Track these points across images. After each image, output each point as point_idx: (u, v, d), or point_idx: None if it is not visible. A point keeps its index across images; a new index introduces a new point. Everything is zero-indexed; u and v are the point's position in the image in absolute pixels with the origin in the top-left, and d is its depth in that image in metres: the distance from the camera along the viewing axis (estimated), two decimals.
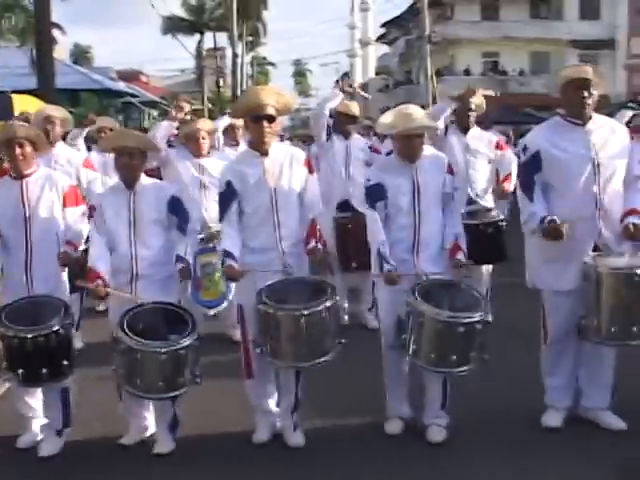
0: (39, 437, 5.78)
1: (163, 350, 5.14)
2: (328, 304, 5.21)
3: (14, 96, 12.56)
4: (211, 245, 7.21)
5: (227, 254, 5.45)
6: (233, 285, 6.77)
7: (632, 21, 47.55)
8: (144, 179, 5.73)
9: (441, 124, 7.73)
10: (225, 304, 7.56)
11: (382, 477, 5.18)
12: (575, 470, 5.12)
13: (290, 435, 5.67)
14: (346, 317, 8.53)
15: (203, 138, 8.13)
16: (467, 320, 5.17)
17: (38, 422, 5.85)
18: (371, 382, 6.00)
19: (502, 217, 8.02)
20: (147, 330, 5.23)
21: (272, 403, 5.81)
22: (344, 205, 8.44)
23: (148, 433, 5.81)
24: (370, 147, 8.85)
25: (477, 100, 8.13)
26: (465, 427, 5.70)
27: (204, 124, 8.39)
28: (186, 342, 5.20)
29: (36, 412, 5.85)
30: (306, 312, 5.14)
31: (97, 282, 5.41)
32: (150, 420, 5.82)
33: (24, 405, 5.83)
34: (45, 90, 14.62)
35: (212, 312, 7.57)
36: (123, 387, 5.37)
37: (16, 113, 12.69)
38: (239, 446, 5.64)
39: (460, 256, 5.57)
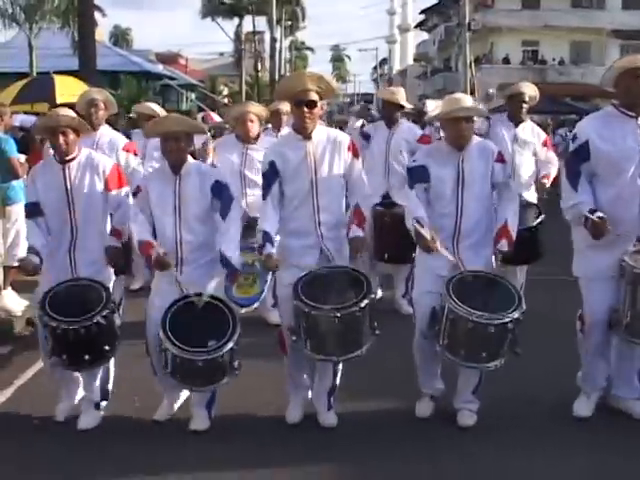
0: (75, 407, 5.89)
1: (202, 358, 5.23)
2: (362, 305, 5.22)
3: (56, 77, 12.67)
4: (251, 241, 7.01)
5: (266, 236, 5.48)
6: (269, 274, 6.88)
7: None
8: (190, 162, 5.74)
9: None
10: (256, 305, 7.58)
11: (411, 460, 5.21)
12: (605, 460, 5.12)
13: (324, 415, 5.74)
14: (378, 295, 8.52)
15: (251, 121, 8.06)
16: (498, 322, 5.17)
17: (75, 393, 5.96)
18: (403, 367, 6.04)
19: (538, 220, 7.79)
20: (187, 325, 5.32)
21: (305, 377, 5.85)
22: (384, 198, 8.41)
23: (177, 405, 5.91)
24: (420, 137, 8.66)
25: (531, 92, 8.06)
26: (497, 415, 5.75)
27: (253, 107, 8.33)
28: (225, 348, 5.28)
29: (74, 384, 5.95)
30: (339, 314, 5.16)
31: (157, 251, 5.45)
32: (181, 394, 5.92)
33: (62, 377, 5.90)
34: (86, 72, 14.78)
35: (243, 311, 7.44)
36: (162, 372, 5.49)
37: (58, 94, 12.76)
38: (273, 426, 5.71)
39: (504, 241, 5.52)
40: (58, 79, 12.27)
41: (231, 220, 5.61)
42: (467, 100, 5.72)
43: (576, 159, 5.47)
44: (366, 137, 8.72)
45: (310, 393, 5.89)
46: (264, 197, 5.62)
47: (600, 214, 5.26)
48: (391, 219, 7.92)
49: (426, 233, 5.36)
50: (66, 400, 5.91)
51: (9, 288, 8.61)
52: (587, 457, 5.18)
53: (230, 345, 5.29)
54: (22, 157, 8.66)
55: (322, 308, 5.21)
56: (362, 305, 5.21)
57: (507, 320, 5.17)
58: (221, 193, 5.62)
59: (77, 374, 5.91)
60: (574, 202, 5.41)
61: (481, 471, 5.06)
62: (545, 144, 8.17)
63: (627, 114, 5.41)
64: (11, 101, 11.29)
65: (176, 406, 5.92)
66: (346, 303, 5.21)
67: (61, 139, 5.70)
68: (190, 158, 5.77)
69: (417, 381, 5.85)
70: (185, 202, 5.60)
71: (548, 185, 7.93)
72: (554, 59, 50.05)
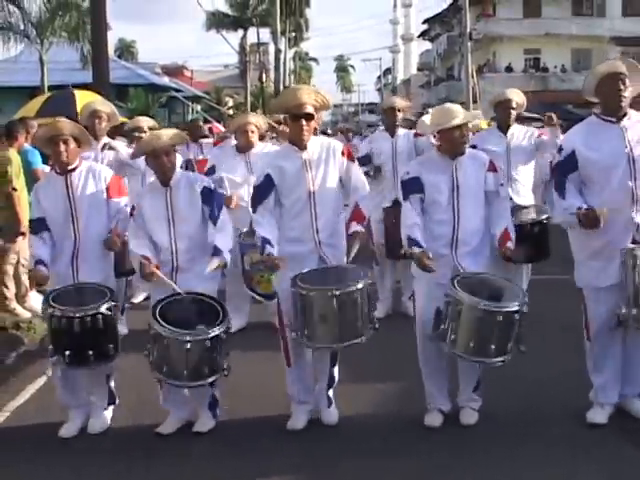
0: (79, 426, 5.87)
1: (189, 339, 5.27)
2: (360, 285, 5.31)
3: (76, 92, 12.98)
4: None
5: (264, 240, 5.54)
6: None
7: None
8: (178, 173, 5.85)
9: None
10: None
11: (412, 457, 5.28)
12: (615, 462, 5.13)
13: (325, 412, 5.86)
14: (385, 309, 8.84)
15: (252, 132, 8.34)
16: (506, 309, 5.25)
17: (79, 412, 5.94)
18: (408, 369, 6.11)
19: (544, 216, 7.87)
20: (181, 320, 5.36)
21: (309, 394, 5.89)
22: (394, 204, 8.45)
23: (180, 424, 5.86)
24: (415, 134, 8.93)
25: (519, 99, 8.22)
26: (501, 413, 5.84)
27: (254, 118, 8.68)
28: (213, 333, 5.33)
29: (77, 401, 5.95)
30: (337, 292, 5.25)
31: (144, 261, 5.57)
32: (186, 414, 5.90)
33: (65, 395, 5.93)
34: (100, 85, 15.13)
35: (272, 302, 7.60)
36: (152, 372, 5.49)
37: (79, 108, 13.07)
38: (277, 429, 5.74)
39: (509, 245, 5.60)
40: (78, 93, 12.57)
41: (222, 224, 5.74)
42: (456, 108, 5.76)
43: (563, 170, 5.54)
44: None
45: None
46: (254, 209, 5.73)
47: (586, 206, 5.31)
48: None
49: (417, 250, 5.43)
50: (71, 420, 5.89)
51: (34, 290, 9.01)
52: (592, 456, 5.20)
53: (218, 331, 5.33)
54: (47, 168, 9.00)
55: (320, 289, 5.33)
56: (359, 286, 5.32)
57: (515, 309, 5.25)
58: (210, 199, 5.75)
59: (77, 390, 5.90)
60: (564, 207, 5.48)
61: (485, 469, 5.09)
62: (540, 135, 8.24)
63: (609, 120, 5.49)
64: (34, 115, 11.63)
65: (179, 424, 5.85)
66: (344, 283, 5.33)
67: (62, 147, 5.77)
68: (178, 168, 5.91)
69: (425, 393, 5.85)
70: (177, 212, 5.71)
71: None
72: (556, 67, 50.23)
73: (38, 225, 5.90)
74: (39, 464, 5.38)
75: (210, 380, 5.46)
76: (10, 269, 8.83)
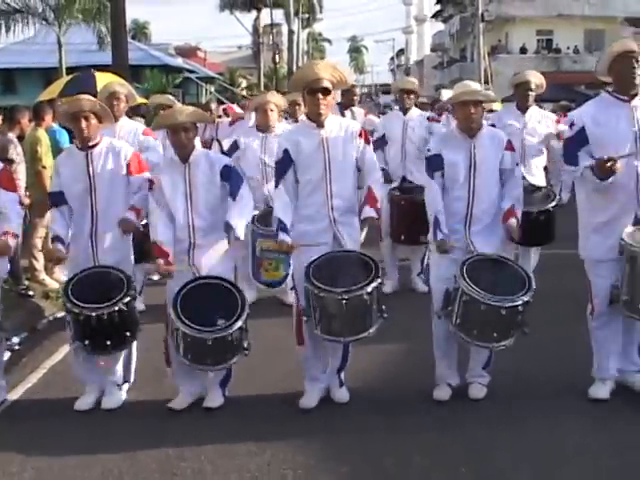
0: (94, 400, 5.95)
1: (211, 337, 5.38)
2: (369, 289, 5.38)
3: (97, 73, 13.26)
4: (272, 228, 6.92)
5: (280, 224, 5.63)
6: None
7: None
8: (198, 150, 5.88)
9: None
10: (283, 285, 7.87)
11: (422, 431, 5.36)
12: (624, 433, 5.22)
13: (336, 391, 5.91)
14: (392, 285, 8.97)
15: (271, 110, 8.42)
16: (510, 304, 5.34)
17: (98, 382, 6.02)
18: (421, 347, 6.22)
19: (551, 205, 7.96)
20: (199, 307, 5.48)
21: (321, 371, 5.94)
22: (402, 182, 8.81)
23: (192, 398, 5.92)
24: (428, 118, 9.17)
25: (537, 80, 8.37)
26: (511, 393, 5.88)
27: (273, 97, 8.75)
28: (234, 328, 5.43)
29: (94, 377, 6.01)
30: (347, 296, 5.32)
31: (164, 260, 5.64)
32: (196, 388, 5.94)
33: (82, 370, 6.03)
34: (119, 66, 15.45)
35: (274, 290, 7.95)
36: (175, 355, 5.63)
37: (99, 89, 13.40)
38: (285, 403, 5.84)
39: (512, 222, 5.70)
40: (98, 75, 12.85)
41: (241, 198, 5.76)
42: (475, 86, 5.95)
43: (574, 144, 5.59)
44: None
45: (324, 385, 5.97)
46: (277, 184, 5.79)
47: (599, 157, 5.32)
48: (407, 203, 8.33)
49: (444, 236, 5.60)
50: (87, 394, 5.98)
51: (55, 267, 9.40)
52: (601, 431, 5.27)
53: (239, 324, 5.45)
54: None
55: (330, 290, 5.38)
56: (369, 290, 5.39)
57: (518, 303, 5.36)
58: (230, 176, 5.79)
59: (93, 366, 5.96)
60: (578, 169, 5.51)
61: (493, 442, 5.16)
62: (558, 122, 8.46)
63: (621, 99, 5.55)
64: (57, 96, 11.97)
65: (191, 399, 5.91)
66: (354, 286, 5.38)
67: (83, 123, 5.81)
68: (198, 146, 5.98)
69: (435, 370, 5.94)
70: (195, 189, 5.74)
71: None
72: (568, 47, 50.04)
73: (57, 198, 5.98)
74: (58, 428, 5.62)
75: (232, 362, 5.60)
76: (39, 242, 9.31)
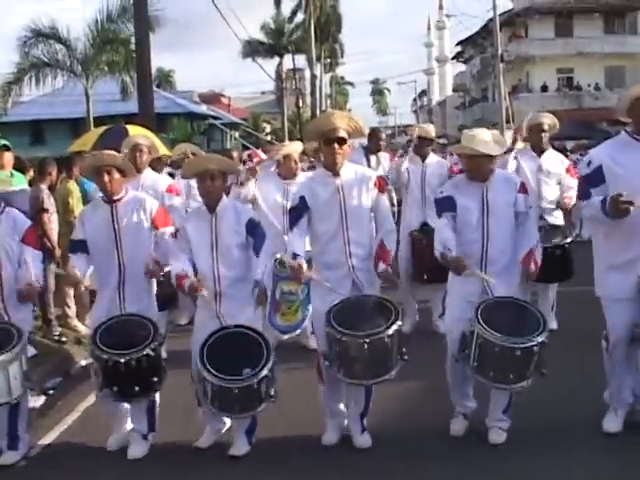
0: (126, 437, 6.07)
1: (237, 386, 5.44)
2: (390, 332, 5.47)
3: (129, 127, 13.50)
4: None
5: (295, 255, 5.71)
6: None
7: None
8: (225, 200, 5.94)
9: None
10: (298, 331, 7.96)
11: (444, 477, 5.40)
12: (635, 467, 5.27)
13: (358, 437, 5.91)
14: (411, 323, 8.99)
15: (296, 162, 8.67)
16: (524, 345, 5.37)
17: (125, 423, 6.15)
18: (437, 386, 6.28)
19: (569, 240, 8.15)
20: (224, 356, 5.52)
21: (342, 406, 6.04)
22: (423, 226, 8.87)
23: (218, 435, 6.07)
24: (451, 166, 9.29)
25: (549, 121, 8.50)
26: (528, 433, 5.88)
27: (299, 147, 9.02)
28: (259, 376, 5.47)
29: (122, 416, 6.14)
30: (368, 339, 5.40)
31: (190, 281, 5.65)
32: (225, 421, 6.07)
33: (113, 409, 6.12)
34: (145, 116, 15.70)
35: (285, 337, 7.87)
36: (204, 404, 5.70)
37: None
38: (311, 448, 5.90)
39: (532, 266, 5.73)
40: (130, 128, 13.11)
41: (264, 254, 5.82)
42: (484, 135, 5.78)
43: (589, 183, 5.62)
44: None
45: (346, 421, 6.05)
46: (291, 227, 5.89)
47: (612, 194, 5.28)
48: (428, 242, 8.18)
49: (454, 255, 5.58)
50: (117, 432, 6.12)
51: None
52: (611, 461, 5.38)
53: (264, 373, 5.48)
54: None
55: (352, 334, 5.45)
56: (390, 332, 5.47)
57: (533, 344, 5.38)
58: (254, 231, 5.84)
59: (125, 406, 6.08)
60: (589, 203, 5.53)
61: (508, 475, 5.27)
62: (568, 171, 8.56)
63: (639, 139, 5.58)
64: (90, 148, 12.21)
65: (216, 437, 6.05)
66: (375, 330, 5.46)
67: (106, 178, 5.90)
68: (225, 197, 6.00)
69: (449, 399, 6.06)
70: (221, 238, 5.80)
71: (571, 204, 7.98)
72: (589, 85, 50.32)
73: (77, 246, 6.05)
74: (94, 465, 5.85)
75: (259, 410, 5.63)
76: (71, 290, 9.56)
